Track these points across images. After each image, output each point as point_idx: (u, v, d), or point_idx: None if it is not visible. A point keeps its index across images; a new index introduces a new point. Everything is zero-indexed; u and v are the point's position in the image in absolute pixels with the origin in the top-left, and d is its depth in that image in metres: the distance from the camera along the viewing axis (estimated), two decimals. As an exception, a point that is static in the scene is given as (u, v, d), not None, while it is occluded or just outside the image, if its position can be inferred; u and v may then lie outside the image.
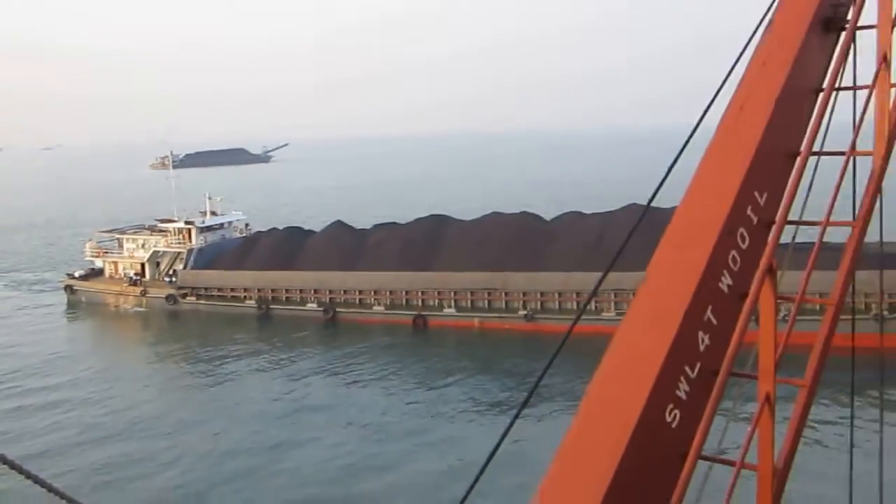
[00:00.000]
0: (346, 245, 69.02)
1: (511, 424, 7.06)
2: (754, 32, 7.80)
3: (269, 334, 63.33)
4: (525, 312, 59.58)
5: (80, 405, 48.04)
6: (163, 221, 79.03)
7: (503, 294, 60.90)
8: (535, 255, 60.75)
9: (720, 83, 7.88)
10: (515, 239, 63.21)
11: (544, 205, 78.26)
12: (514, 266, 60.75)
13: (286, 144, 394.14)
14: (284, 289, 67.88)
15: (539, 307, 59.59)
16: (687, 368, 6.43)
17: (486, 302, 61.74)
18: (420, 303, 63.58)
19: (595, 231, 58.28)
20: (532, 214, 67.84)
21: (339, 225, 72.83)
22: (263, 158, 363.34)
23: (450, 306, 62.28)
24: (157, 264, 75.97)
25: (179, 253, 74.72)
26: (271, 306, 67.39)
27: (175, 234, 76.00)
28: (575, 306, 56.50)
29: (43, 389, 50.90)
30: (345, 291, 65.65)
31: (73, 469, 38.42)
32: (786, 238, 7.39)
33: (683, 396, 6.39)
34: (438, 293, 62.82)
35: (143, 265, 76.28)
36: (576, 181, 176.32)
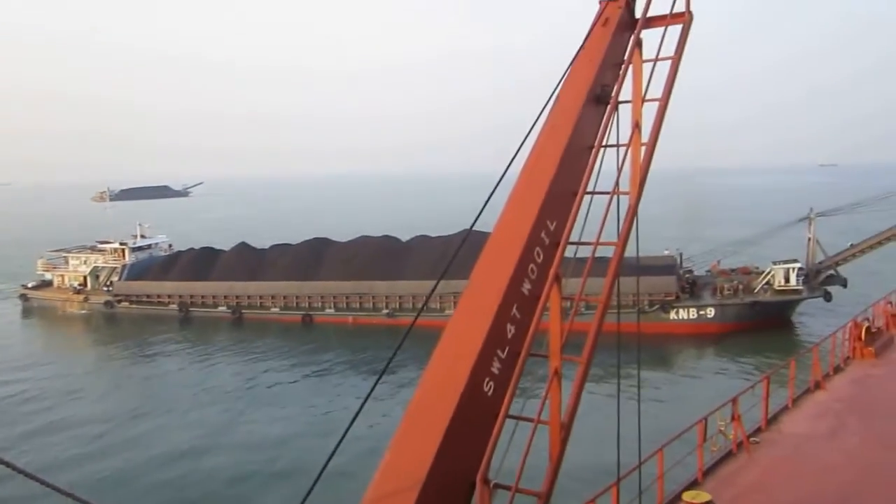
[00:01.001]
0: (249, 260, 68.36)
1: (367, 396, 7.05)
2: (546, 103, 8.02)
3: (188, 331, 61.91)
4: (387, 311, 60.33)
5: (33, 382, 46.19)
6: (101, 243, 76.05)
7: (371, 297, 61.56)
8: (395, 267, 61.82)
9: (523, 138, 8.02)
10: (379, 255, 64.31)
11: (403, 229, 78.70)
12: (378, 276, 61.52)
13: (201, 183, 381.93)
14: (200, 295, 66.52)
15: (398, 307, 60.43)
16: (499, 351, 6.58)
17: (358, 303, 62.06)
18: (308, 305, 63.26)
19: (439, 249, 60.01)
20: (392, 237, 68.98)
21: (244, 245, 72.10)
22: (183, 193, 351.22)
23: (330, 307, 62.45)
24: (97, 277, 72.95)
25: (115, 267, 72.28)
26: (190, 309, 65.78)
27: (112, 253, 73.39)
28: (423, 306, 57.32)
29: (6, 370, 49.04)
30: (248, 297, 64.87)
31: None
32: (576, 253, 7.67)
33: (497, 372, 6.53)
34: (321, 297, 62.81)
35: (85, 277, 73.07)
36: (430, 213, 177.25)
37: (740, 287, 53.82)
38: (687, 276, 56.61)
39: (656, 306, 52.66)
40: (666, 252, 58.85)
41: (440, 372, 6.39)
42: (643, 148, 7.69)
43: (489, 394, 6.38)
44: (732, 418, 17.43)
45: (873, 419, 18.79)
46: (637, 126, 7.71)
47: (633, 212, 7.43)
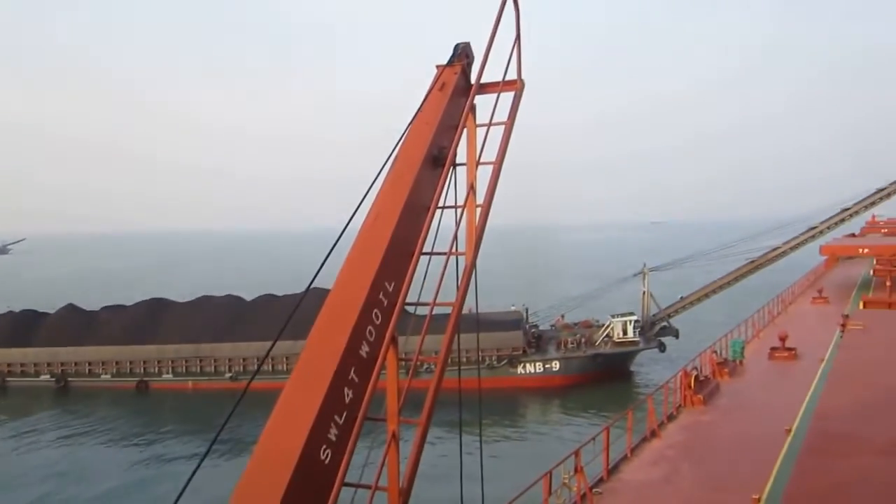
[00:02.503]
0: (76, 324, 63.15)
1: (197, 466, 6.69)
2: (385, 163, 8.13)
3: (4, 403, 56.29)
4: (230, 375, 57.74)
5: None
6: None
7: (213, 361, 58.80)
8: (239, 328, 59.37)
9: (362, 196, 8.06)
10: (222, 316, 61.68)
11: (249, 288, 76.35)
12: (221, 338, 58.92)
13: (24, 239, 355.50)
14: (20, 363, 60.66)
15: (242, 369, 57.95)
16: (336, 417, 6.48)
17: (199, 367, 59.05)
18: (143, 370, 59.34)
19: (287, 308, 58.19)
20: (236, 296, 66.45)
21: (71, 307, 66.75)
22: (2, 251, 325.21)
23: (168, 372, 58.91)
24: None
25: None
26: (7, 379, 59.97)
27: None
28: (270, 368, 55.47)
29: None
30: (76, 363, 59.94)
31: None
32: (418, 311, 7.72)
33: (334, 438, 6.42)
34: (158, 362, 59.13)
35: None
36: (281, 270, 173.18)
37: (583, 340, 56.06)
38: (533, 330, 58.40)
39: (504, 361, 53.81)
40: (512, 307, 60.51)
41: (273, 442, 6.19)
42: (478, 209, 7.94)
43: (326, 462, 6.25)
44: (576, 470, 18.01)
45: (703, 463, 19.99)
46: (472, 188, 7.97)
47: (468, 272, 7.62)
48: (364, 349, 6.85)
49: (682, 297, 59.92)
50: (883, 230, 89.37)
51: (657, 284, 60.24)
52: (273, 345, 8.76)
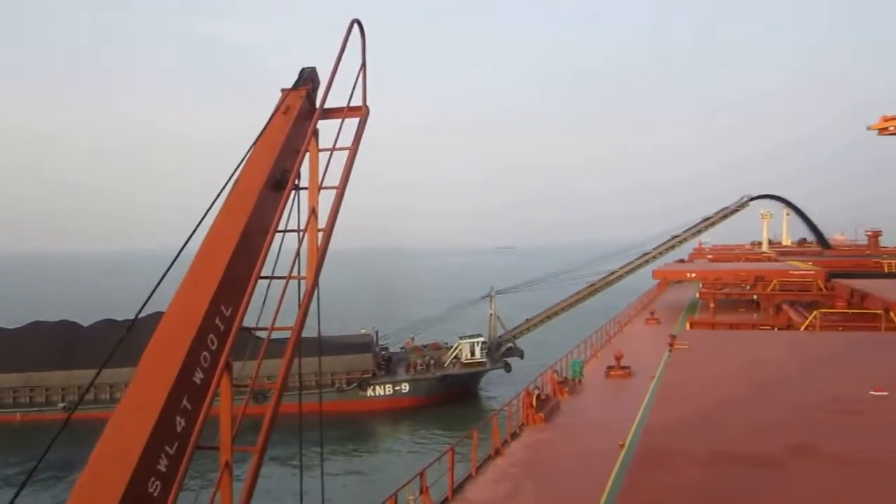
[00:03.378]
0: None
1: (12, 501, 6.21)
2: (225, 185, 7.93)
3: None
4: (64, 405, 53.72)
5: None
6: None
7: (44, 390, 54.43)
8: (72, 355, 55.36)
9: (200, 218, 7.79)
10: (54, 343, 57.21)
11: (87, 314, 71.56)
12: (52, 366, 54.65)
13: None
14: None
15: (77, 399, 53.98)
16: (167, 447, 6.20)
17: (28, 398, 54.54)
18: (-39, 404, 54.03)
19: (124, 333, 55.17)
20: (71, 322, 61.93)
21: None
22: None
23: (-9, 404, 53.96)
24: None
25: None
26: None
27: None
28: (108, 396, 52.20)
29: None
30: None
31: None
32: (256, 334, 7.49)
33: (164, 469, 6.13)
34: None
35: None
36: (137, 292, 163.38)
37: (432, 362, 56.60)
38: (383, 353, 58.39)
39: (354, 384, 53.41)
40: (362, 331, 60.32)
41: (98, 475, 5.83)
42: (319, 234, 7.88)
43: (155, 494, 5.95)
44: (421, 491, 18.12)
45: (544, 479, 20.65)
46: (313, 212, 7.91)
47: (309, 295, 7.53)
48: (198, 376, 6.60)
49: (526, 320, 61.91)
50: (708, 256, 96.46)
51: (504, 307, 61.95)
52: (99, 372, 8.30)
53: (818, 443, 11.42)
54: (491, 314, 60.30)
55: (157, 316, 7.24)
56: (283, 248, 8.00)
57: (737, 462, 10.65)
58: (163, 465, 6.09)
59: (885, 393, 14.28)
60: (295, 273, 7.60)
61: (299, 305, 7.66)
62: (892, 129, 50.78)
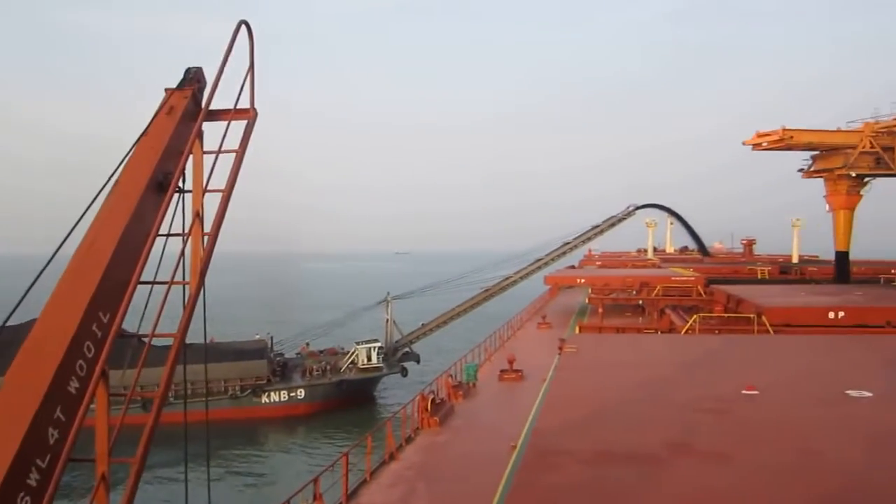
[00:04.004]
0: None
1: None
2: (103, 187, 7.60)
3: None
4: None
5: None
6: None
7: None
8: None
9: (75, 222, 7.42)
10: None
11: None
12: None
13: None
14: None
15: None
16: (38, 460, 5.87)
17: None
18: None
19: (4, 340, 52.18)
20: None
21: None
22: None
23: None
24: None
25: None
26: None
27: None
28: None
29: None
30: None
31: None
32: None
33: (34, 484, 5.81)
34: None
35: None
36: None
37: (328, 367, 56.01)
38: (278, 358, 57.30)
39: (248, 391, 52.18)
40: (257, 336, 59.07)
41: None
42: (204, 238, 7.66)
43: None
44: (315, 497, 17.92)
45: (438, 482, 20.76)
46: (198, 216, 7.68)
47: (193, 301, 7.30)
48: (73, 385, 6.28)
49: (423, 324, 62.14)
50: (597, 263, 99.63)
51: (400, 312, 61.99)
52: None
53: (693, 440, 11.94)
54: (387, 319, 60.22)
55: (32, 324, 6.88)
56: (170, 252, 7.75)
57: (619, 460, 11.01)
58: (33, 479, 5.77)
59: (756, 392, 15.08)
60: (178, 278, 7.35)
61: (184, 311, 7.42)
62: (765, 144, 53.53)
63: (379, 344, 57.72)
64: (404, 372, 58.40)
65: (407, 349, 60.44)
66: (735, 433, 12.49)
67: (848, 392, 15.03)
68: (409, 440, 24.53)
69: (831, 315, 31.50)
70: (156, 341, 7.07)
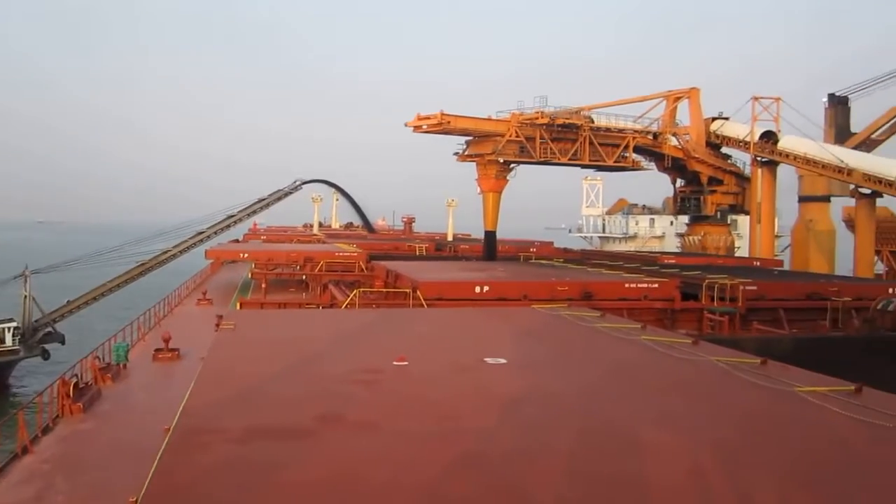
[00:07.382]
0: None
1: None
2: None
3: None
4: None
5: None
6: None
7: None
8: None
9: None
10: None
11: None
12: None
13: None
14: None
15: None
16: None
17: None
18: None
19: None
20: None
21: None
22: None
23: None
24: None
25: None
26: None
27: None
28: None
29: None
30: None
31: None
32: None
33: None
34: None
35: None
36: None
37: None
38: None
39: None
40: None
41: None
42: None
43: None
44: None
45: (82, 473, 19.24)
46: None
47: None
48: None
49: (68, 301, 56.44)
50: (262, 237, 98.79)
51: (43, 288, 55.72)
52: None
53: (345, 411, 12.52)
54: (25, 296, 53.63)
55: None
56: None
57: (270, 435, 11.17)
58: None
59: (406, 363, 16.21)
60: None
61: None
62: (425, 127, 56.99)
63: (15, 324, 51.39)
64: (46, 355, 52.73)
65: (49, 329, 54.44)
66: (384, 403, 13.33)
67: (486, 359, 16.77)
68: (46, 430, 22.33)
69: (477, 289, 34.45)
70: None
